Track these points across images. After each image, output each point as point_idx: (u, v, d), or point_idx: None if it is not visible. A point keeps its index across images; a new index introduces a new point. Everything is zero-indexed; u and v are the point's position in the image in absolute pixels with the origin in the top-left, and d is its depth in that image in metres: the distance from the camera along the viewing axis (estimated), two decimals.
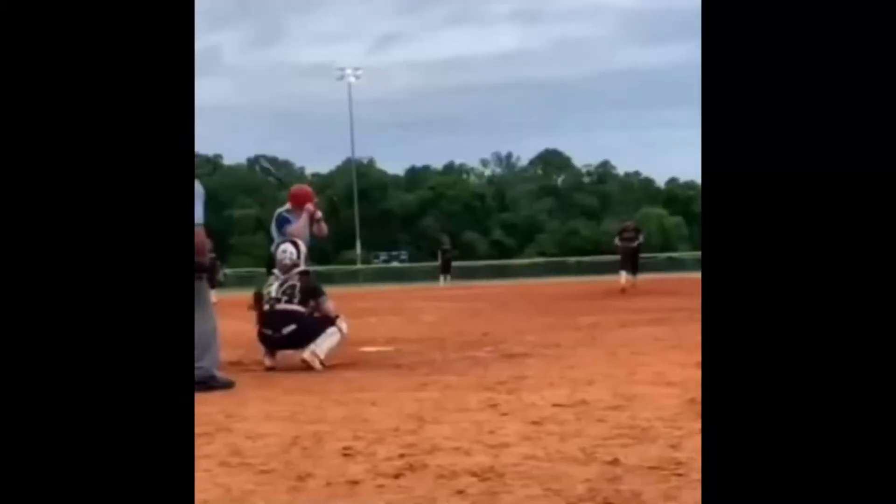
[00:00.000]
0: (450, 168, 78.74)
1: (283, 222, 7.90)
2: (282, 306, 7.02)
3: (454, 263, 33.77)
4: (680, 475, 3.06)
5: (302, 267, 7.16)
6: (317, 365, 6.73)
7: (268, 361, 7.02)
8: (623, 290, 18.86)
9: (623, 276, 19.80)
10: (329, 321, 7.02)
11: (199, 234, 5.79)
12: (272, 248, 8.00)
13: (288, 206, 8.05)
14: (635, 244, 20.40)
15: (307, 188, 8.46)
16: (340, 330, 7.01)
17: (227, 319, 9.03)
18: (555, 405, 4.64)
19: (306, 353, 6.78)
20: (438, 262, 32.41)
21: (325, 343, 6.87)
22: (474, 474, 3.18)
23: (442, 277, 30.46)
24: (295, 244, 7.29)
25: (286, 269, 7.14)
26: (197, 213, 5.76)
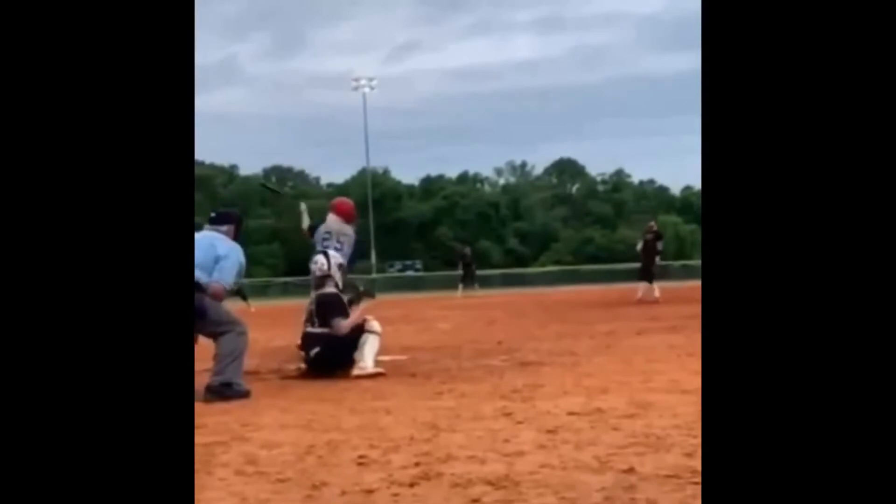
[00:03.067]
0: (464, 177, 78.80)
1: (320, 239, 7.95)
2: (308, 329, 7.01)
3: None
4: (696, 483, 3.04)
5: (333, 278, 7.09)
6: (370, 371, 6.70)
7: (302, 366, 7.05)
8: (639, 299, 18.76)
9: (644, 284, 19.48)
10: (359, 330, 6.88)
11: (219, 293, 5.96)
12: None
13: (334, 218, 8.07)
14: (638, 249, 19.96)
15: (351, 203, 8.53)
16: (373, 331, 6.92)
17: None
18: (570, 413, 4.63)
19: (355, 371, 6.70)
20: (460, 272, 32.18)
21: (366, 352, 6.80)
22: (489, 483, 3.17)
23: (461, 286, 30.29)
24: (326, 254, 7.24)
25: (316, 282, 7.12)
26: (225, 276, 5.99)
